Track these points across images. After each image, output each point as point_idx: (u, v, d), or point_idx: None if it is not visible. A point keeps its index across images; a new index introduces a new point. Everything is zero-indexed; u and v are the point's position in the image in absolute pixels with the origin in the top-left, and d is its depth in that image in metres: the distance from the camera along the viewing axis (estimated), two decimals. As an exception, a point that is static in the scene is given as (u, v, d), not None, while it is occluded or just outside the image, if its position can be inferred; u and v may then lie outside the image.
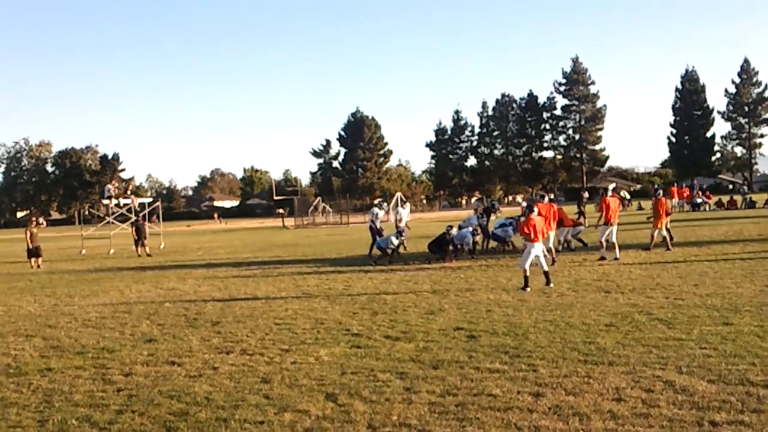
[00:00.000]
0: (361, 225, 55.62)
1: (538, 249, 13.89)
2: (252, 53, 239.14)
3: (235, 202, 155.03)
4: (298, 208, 67.21)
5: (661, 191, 21.15)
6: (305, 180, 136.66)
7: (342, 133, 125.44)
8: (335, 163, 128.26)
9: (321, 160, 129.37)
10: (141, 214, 33.43)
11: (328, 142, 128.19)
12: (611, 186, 20.33)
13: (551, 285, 13.68)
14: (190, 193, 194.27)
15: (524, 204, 19.50)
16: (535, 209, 14.33)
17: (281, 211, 76.42)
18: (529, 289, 13.41)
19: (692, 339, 8.57)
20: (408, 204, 31.57)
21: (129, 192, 38.21)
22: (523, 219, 14.89)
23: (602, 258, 17.83)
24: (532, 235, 13.82)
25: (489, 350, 8.56)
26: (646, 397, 6.42)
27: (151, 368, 8.60)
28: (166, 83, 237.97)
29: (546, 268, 14.09)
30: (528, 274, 13.77)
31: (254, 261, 24.06)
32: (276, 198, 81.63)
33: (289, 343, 9.67)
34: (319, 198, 78.20)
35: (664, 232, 19.79)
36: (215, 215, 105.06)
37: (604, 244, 18.02)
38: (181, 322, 11.95)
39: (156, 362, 8.92)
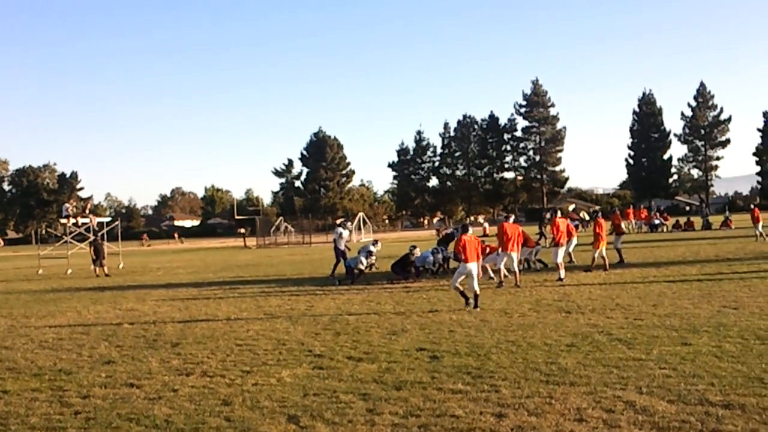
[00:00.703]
0: (323, 245, 55.45)
1: (471, 269, 14.11)
2: (214, 73, 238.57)
3: (196, 222, 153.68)
4: (260, 227, 66.84)
5: (599, 214, 21.76)
6: (267, 199, 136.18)
7: (304, 152, 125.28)
8: (297, 183, 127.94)
9: (283, 180, 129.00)
10: (99, 234, 32.93)
11: (291, 161, 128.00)
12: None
13: (478, 309, 13.79)
14: (150, 212, 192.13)
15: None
16: (469, 230, 14.77)
17: (243, 230, 75.88)
18: (471, 305, 13.86)
19: (652, 359, 8.67)
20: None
21: (87, 211, 37.63)
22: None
23: (562, 278, 18.02)
24: (463, 256, 14.19)
25: (451, 371, 8.56)
26: (608, 417, 6.47)
27: (109, 390, 8.44)
28: (126, 101, 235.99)
29: (477, 290, 14.20)
30: (462, 289, 14.14)
31: (215, 281, 23.85)
32: (237, 217, 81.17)
33: (250, 364, 9.57)
34: (281, 218, 77.89)
35: (604, 253, 20.13)
36: (175, 235, 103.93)
37: (560, 265, 18.29)
38: (140, 343, 11.76)
39: (114, 384, 8.76)
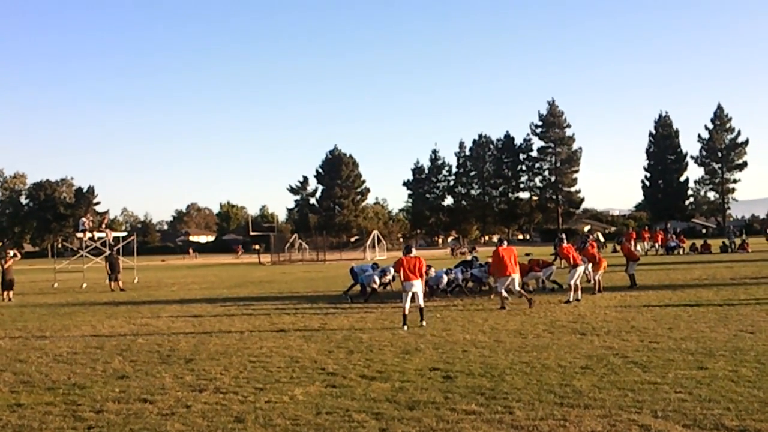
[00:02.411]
0: (337, 262, 55.49)
1: (414, 287, 14.69)
2: (230, 89, 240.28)
3: (211, 237, 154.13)
4: (274, 244, 66.89)
5: (589, 236, 22.13)
6: (282, 216, 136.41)
7: (319, 170, 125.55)
8: (312, 200, 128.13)
9: (298, 197, 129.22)
10: (115, 248, 33.09)
11: (306, 178, 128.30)
12: (586, 228, 21.06)
13: (423, 323, 14.43)
14: (166, 227, 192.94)
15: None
16: (413, 251, 15.38)
17: (257, 247, 76.00)
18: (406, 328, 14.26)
19: (667, 383, 8.60)
20: None
21: (104, 225, 37.87)
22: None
23: (570, 300, 18.20)
24: (402, 275, 14.89)
25: (465, 391, 8.53)
26: (622, 441, 6.42)
27: (122, 405, 8.46)
28: (144, 117, 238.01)
29: (422, 304, 14.87)
30: (406, 312, 14.57)
31: (229, 297, 23.88)
32: (252, 234, 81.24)
33: (263, 381, 9.57)
34: (295, 234, 77.96)
35: (599, 276, 20.39)
36: (191, 250, 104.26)
37: (572, 286, 18.48)
38: (154, 358, 11.79)
39: (128, 399, 8.78)
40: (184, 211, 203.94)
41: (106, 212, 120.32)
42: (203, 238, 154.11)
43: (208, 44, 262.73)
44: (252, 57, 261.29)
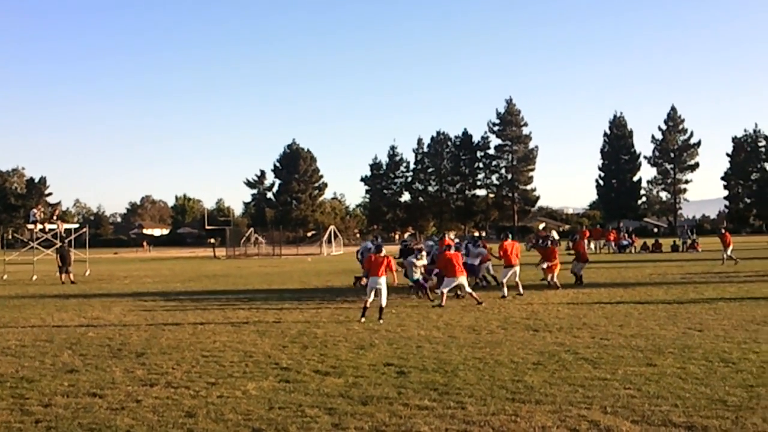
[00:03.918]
0: (293, 257, 55.29)
1: (378, 283, 14.92)
2: (187, 80, 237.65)
3: (166, 231, 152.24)
4: (230, 238, 66.36)
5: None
6: (238, 210, 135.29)
7: (277, 164, 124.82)
8: (269, 194, 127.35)
9: (255, 191, 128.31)
10: (67, 240, 32.49)
11: (263, 172, 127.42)
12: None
13: (381, 321, 14.48)
14: (119, 219, 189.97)
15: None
16: (383, 250, 15.88)
17: (213, 240, 75.38)
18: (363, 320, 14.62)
19: (617, 379, 8.73)
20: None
21: (55, 217, 37.16)
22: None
23: (504, 296, 18.55)
24: (369, 272, 15.39)
25: (418, 387, 8.55)
26: (572, 436, 6.51)
27: (71, 399, 8.32)
28: (97, 106, 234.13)
29: (384, 303, 14.98)
30: (366, 305, 14.94)
31: (183, 291, 23.65)
32: (208, 227, 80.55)
33: (216, 376, 9.49)
34: (251, 229, 77.47)
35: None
36: (144, 243, 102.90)
37: (504, 284, 18.91)
38: (105, 352, 11.62)
39: (77, 393, 8.64)
40: (139, 203, 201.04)
41: (58, 203, 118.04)
42: (157, 231, 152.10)
43: (167, 34, 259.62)
44: (210, 49, 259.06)
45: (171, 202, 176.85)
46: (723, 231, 33.94)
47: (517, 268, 19.11)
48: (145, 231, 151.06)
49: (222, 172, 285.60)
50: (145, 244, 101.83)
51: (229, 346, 11.94)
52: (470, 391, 8.25)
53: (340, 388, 8.54)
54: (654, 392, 8.03)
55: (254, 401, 8.04)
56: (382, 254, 15.46)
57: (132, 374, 9.74)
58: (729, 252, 31.39)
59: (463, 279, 17.23)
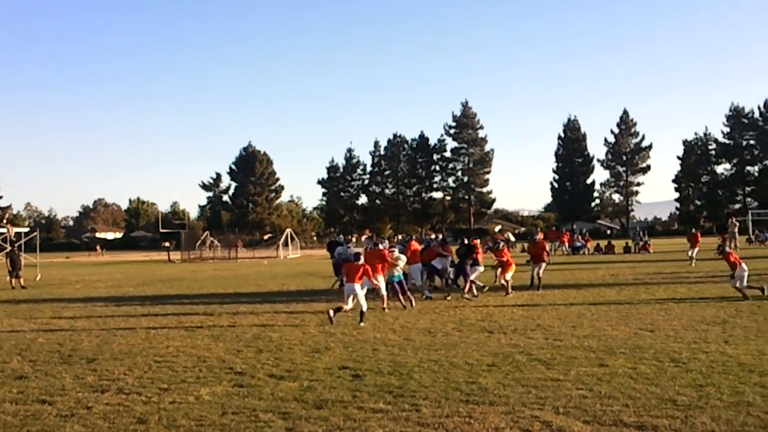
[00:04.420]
0: (249, 260, 54.89)
1: (353, 290, 14.86)
2: (141, 82, 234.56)
3: (119, 234, 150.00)
4: (185, 241, 65.63)
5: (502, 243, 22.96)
6: (194, 213, 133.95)
7: (233, 166, 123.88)
8: (225, 197, 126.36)
9: (210, 194, 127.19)
10: (17, 244, 31.83)
11: (219, 175, 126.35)
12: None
13: (362, 324, 14.39)
14: (71, 223, 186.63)
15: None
16: (361, 259, 15.82)
17: (167, 244, 74.48)
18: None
19: (569, 379, 8.83)
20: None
21: (5, 221, 36.42)
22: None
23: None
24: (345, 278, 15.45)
25: (373, 390, 8.55)
26: (525, 437, 6.56)
27: (20, 407, 8.15)
28: (49, 107, 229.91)
29: (365, 308, 14.83)
30: (345, 309, 14.96)
31: (136, 295, 23.31)
32: (162, 231, 79.64)
33: (168, 381, 9.37)
34: (207, 232, 76.75)
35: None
36: (97, 247, 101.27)
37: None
38: (55, 358, 11.40)
39: (26, 400, 8.46)
40: (91, 206, 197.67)
41: (8, 207, 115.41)
42: (111, 235, 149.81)
43: (119, 36, 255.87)
44: (163, 49, 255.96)
45: (124, 206, 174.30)
46: (693, 231, 34.43)
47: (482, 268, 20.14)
48: (98, 235, 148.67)
49: (177, 175, 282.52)
50: (98, 247, 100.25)
51: (182, 350, 11.80)
52: (425, 394, 8.27)
53: (295, 393, 8.49)
54: (605, 392, 8.13)
55: (207, 407, 7.95)
56: (360, 261, 15.44)
57: (82, 380, 9.58)
58: (693, 252, 31.77)
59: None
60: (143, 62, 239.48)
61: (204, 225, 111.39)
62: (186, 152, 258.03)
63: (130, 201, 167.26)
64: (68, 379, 9.71)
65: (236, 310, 17.75)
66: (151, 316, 17.11)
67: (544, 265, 21.01)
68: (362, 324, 14.40)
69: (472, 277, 19.44)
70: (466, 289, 19.01)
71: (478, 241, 22.14)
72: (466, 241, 20.94)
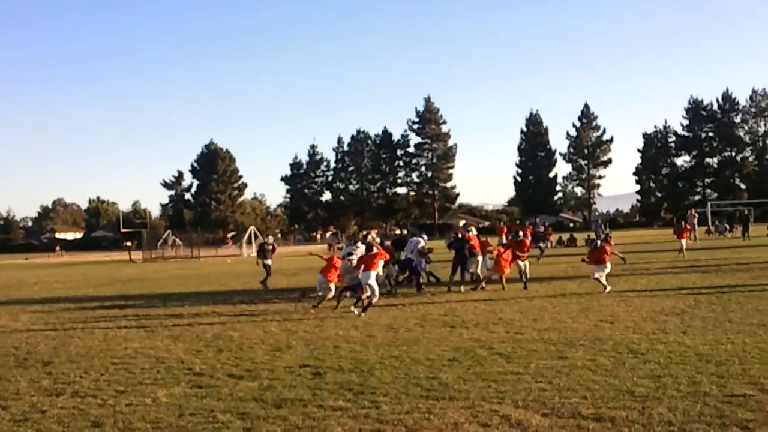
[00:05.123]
0: (212, 259, 54.46)
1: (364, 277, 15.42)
2: (99, 78, 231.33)
3: (79, 234, 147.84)
4: (146, 241, 64.90)
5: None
6: (155, 212, 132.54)
7: (195, 164, 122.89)
8: (187, 195, 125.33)
9: (172, 192, 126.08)
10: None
11: (180, 173, 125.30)
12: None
13: (363, 315, 14.86)
14: (30, 224, 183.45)
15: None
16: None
17: (129, 244, 73.60)
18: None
19: (529, 373, 8.86)
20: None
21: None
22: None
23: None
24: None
25: (334, 387, 8.49)
26: (483, 431, 6.55)
27: (-30, 413, 7.95)
28: (5, 106, 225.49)
29: (375, 299, 15.43)
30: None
31: (95, 297, 22.95)
32: (123, 230, 78.73)
33: (125, 384, 9.21)
34: (169, 231, 75.99)
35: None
36: (57, 248, 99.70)
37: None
38: (9, 362, 11.17)
39: (-23, 406, 8.26)
40: (50, 207, 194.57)
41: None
42: (71, 235, 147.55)
43: (76, 30, 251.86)
44: (124, 47, 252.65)
45: (84, 205, 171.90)
46: (683, 222, 34.07)
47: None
48: (57, 235, 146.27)
49: (138, 174, 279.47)
50: (57, 248, 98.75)
51: (140, 352, 11.63)
52: (385, 390, 8.23)
53: (254, 392, 8.40)
54: (564, 385, 8.17)
55: (164, 408, 7.83)
56: (373, 252, 16.11)
57: (37, 384, 9.39)
58: (684, 243, 30.99)
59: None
60: (102, 60, 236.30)
61: (166, 224, 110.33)
62: (147, 151, 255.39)
63: (90, 201, 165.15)
64: (23, 382, 9.51)
65: (197, 310, 17.55)
66: (109, 317, 16.85)
67: (527, 262, 20.74)
68: (363, 315, 14.83)
69: (474, 270, 20.16)
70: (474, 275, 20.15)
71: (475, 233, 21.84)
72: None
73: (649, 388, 7.92)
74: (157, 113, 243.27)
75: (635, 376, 8.49)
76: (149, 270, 41.31)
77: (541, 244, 30.51)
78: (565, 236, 51.66)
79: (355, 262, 16.78)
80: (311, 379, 9.07)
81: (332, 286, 16.93)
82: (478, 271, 20.41)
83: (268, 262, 24.04)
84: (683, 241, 30.97)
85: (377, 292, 15.50)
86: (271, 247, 25.53)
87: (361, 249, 17.65)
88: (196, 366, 10.21)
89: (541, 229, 32.84)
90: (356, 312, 15.26)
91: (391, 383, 8.59)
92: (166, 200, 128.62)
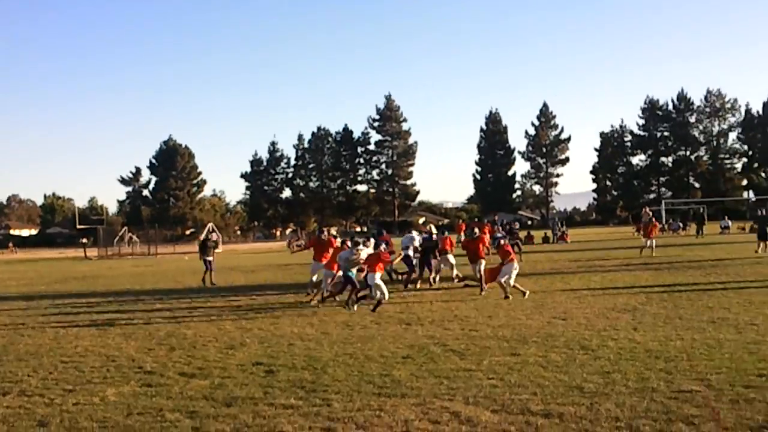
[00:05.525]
0: (170, 256, 53.89)
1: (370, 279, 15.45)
2: (55, 72, 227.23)
3: (34, 231, 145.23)
4: (102, 237, 63.98)
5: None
6: (113, 209, 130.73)
7: (153, 160, 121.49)
8: (145, 192, 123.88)
9: (130, 188, 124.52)
10: None
11: (138, 169, 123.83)
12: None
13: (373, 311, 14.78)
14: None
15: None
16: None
17: (84, 240, 72.52)
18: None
19: (481, 369, 8.91)
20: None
21: None
22: None
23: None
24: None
25: (286, 385, 8.45)
26: (433, 428, 6.57)
27: None
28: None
29: (385, 298, 15.36)
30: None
31: (48, 294, 22.54)
32: (80, 227, 77.52)
33: (74, 382, 9.06)
34: (125, 228, 75.03)
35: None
36: (10, 245, 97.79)
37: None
38: (-45, 361, 10.92)
39: None
40: (5, 203, 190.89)
41: None
42: (25, 232, 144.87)
43: (30, 21, 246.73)
44: (80, 39, 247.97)
45: (40, 201, 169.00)
46: (653, 220, 33.59)
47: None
48: (12, 232, 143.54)
49: (95, 170, 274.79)
50: (10, 245, 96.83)
51: (91, 350, 11.45)
52: (338, 388, 8.21)
53: (205, 391, 8.32)
54: (515, 381, 8.23)
55: (112, 407, 7.72)
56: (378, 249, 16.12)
57: (-17, 384, 9.19)
58: (652, 242, 30.06)
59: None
60: (58, 53, 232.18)
61: (123, 220, 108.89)
62: (104, 146, 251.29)
63: (45, 197, 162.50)
64: (-32, 382, 9.30)
65: (151, 308, 17.36)
66: (61, 315, 16.57)
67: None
68: (374, 311, 14.86)
69: (450, 271, 19.96)
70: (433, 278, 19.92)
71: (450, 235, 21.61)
72: (434, 236, 20.74)
73: (598, 384, 8.01)
74: (115, 108, 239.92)
75: (585, 373, 8.58)
76: (104, 267, 40.75)
77: (518, 242, 30.35)
78: (523, 234, 52.01)
79: (363, 255, 16.54)
80: (263, 377, 9.01)
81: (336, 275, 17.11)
82: (455, 273, 20.00)
83: (210, 258, 23.97)
84: (653, 240, 30.28)
85: (385, 291, 15.40)
86: (213, 243, 25.66)
87: (368, 249, 17.28)
88: (147, 364, 10.08)
89: (517, 225, 32.71)
90: (349, 309, 15.34)
91: (344, 381, 8.58)
92: (123, 197, 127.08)
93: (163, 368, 9.76)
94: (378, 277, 15.44)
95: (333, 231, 20.11)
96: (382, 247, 16.42)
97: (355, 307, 15.43)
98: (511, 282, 16.61)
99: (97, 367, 10.00)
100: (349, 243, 18.15)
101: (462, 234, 35.88)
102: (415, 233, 22.23)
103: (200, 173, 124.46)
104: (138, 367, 9.89)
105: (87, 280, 29.34)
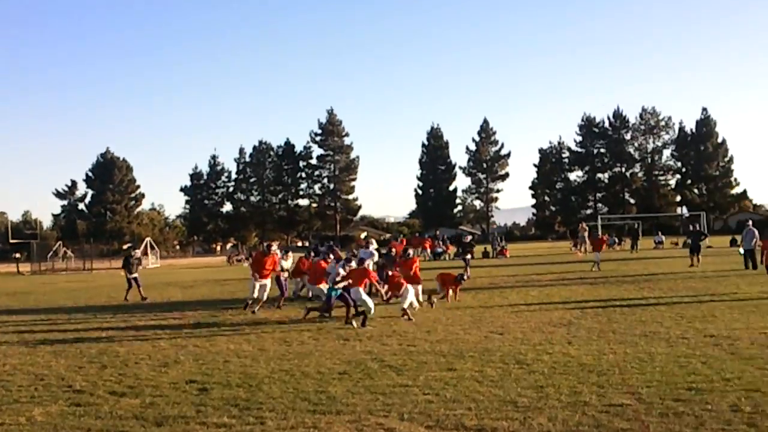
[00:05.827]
0: (106, 271, 52.77)
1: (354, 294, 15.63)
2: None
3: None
4: (36, 252, 62.31)
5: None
6: (47, 223, 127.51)
7: (90, 173, 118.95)
8: (81, 206, 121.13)
9: (65, 202, 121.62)
10: None
11: (74, 183, 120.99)
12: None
13: (364, 327, 14.69)
14: None
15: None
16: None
17: (17, 255, 70.51)
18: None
19: (418, 385, 8.91)
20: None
21: None
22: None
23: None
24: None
25: (219, 403, 8.32)
26: (367, 445, 6.55)
27: None
28: None
29: (371, 312, 15.46)
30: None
31: (-24, 311, 21.81)
32: (12, 241, 75.35)
33: (-1, 402, 8.78)
34: (60, 242, 73.22)
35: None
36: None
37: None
38: None
39: None
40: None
41: None
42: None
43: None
44: (13, 47, 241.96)
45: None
46: (600, 235, 33.71)
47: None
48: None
49: (28, 182, 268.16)
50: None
51: (19, 369, 11.11)
52: (272, 405, 8.12)
53: (135, 410, 8.13)
54: (451, 396, 8.25)
55: (38, 428, 7.50)
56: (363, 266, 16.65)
57: None
58: (596, 257, 30.39)
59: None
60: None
61: (58, 235, 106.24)
62: (38, 158, 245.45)
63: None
64: None
65: (84, 325, 16.93)
66: (-11, 332, 16.05)
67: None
68: (364, 327, 14.68)
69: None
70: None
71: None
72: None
73: (532, 398, 8.09)
74: (50, 120, 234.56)
75: (520, 387, 8.66)
76: (38, 283, 39.67)
77: (468, 257, 30.15)
78: (479, 249, 52.50)
79: (342, 273, 16.38)
80: (197, 395, 8.86)
81: (324, 289, 17.12)
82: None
83: (135, 275, 23.77)
84: (598, 254, 30.50)
85: (371, 304, 15.41)
86: (136, 260, 25.43)
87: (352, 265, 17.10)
88: (77, 383, 9.82)
89: (468, 238, 32.21)
90: (355, 325, 14.97)
91: (279, 398, 8.49)
92: (58, 210, 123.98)
93: (93, 387, 9.52)
94: (362, 292, 15.49)
95: (274, 245, 19.81)
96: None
97: (354, 322, 15.15)
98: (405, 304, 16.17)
99: (25, 386, 9.71)
100: (331, 256, 19.06)
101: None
102: (372, 248, 22.17)
103: (138, 187, 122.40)
104: (67, 386, 9.63)
105: (18, 296, 28.51)
